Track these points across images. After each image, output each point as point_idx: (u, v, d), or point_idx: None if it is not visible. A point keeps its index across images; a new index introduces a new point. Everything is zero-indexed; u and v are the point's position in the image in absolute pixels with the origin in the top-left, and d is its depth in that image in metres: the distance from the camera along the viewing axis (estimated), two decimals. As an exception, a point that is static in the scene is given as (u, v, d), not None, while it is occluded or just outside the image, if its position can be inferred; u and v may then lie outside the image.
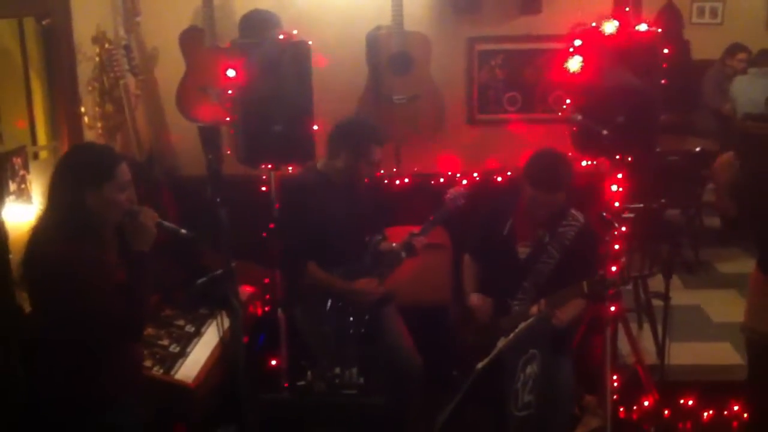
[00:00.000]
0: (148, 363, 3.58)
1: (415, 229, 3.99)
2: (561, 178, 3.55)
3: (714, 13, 8.43)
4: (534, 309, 3.43)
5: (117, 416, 2.85)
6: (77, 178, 2.77)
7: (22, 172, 3.65)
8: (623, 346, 4.57)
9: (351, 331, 3.84)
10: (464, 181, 4.22)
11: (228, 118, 4.40)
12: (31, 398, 2.86)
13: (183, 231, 2.96)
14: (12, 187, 3.53)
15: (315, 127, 4.28)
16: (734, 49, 7.24)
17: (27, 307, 2.96)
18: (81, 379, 2.79)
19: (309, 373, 3.46)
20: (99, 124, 4.52)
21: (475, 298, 3.73)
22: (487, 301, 3.69)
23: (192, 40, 4.91)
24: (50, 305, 2.76)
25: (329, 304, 3.83)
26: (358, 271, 3.87)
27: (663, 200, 4.46)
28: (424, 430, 3.73)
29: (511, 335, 3.18)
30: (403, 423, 3.94)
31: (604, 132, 3.98)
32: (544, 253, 3.61)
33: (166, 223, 2.93)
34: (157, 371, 3.60)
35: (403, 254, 3.92)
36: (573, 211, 3.67)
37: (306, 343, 4.00)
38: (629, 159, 4.24)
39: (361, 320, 3.85)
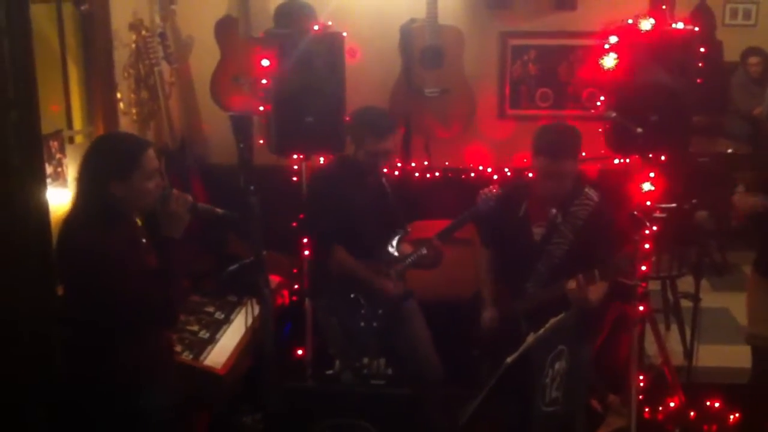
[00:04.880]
0: (177, 348, 3.61)
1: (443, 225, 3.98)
2: (568, 144, 3.52)
3: (747, 14, 8.35)
4: (572, 284, 3.39)
5: (148, 400, 2.87)
6: (104, 170, 2.78)
7: (58, 156, 3.69)
8: (650, 346, 4.55)
9: (374, 324, 3.85)
10: (495, 176, 4.19)
11: (261, 108, 4.43)
12: (65, 381, 2.88)
13: (219, 210, 2.96)
14: (49, 170, 3.56)
15: (347, 119, 4.31)
16: (747, 53, 7.27)
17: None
18: (113, 363, 2.81)
19: (337, 362, 3.48)
20: (134, 111, 4.56)
21: (487, 318, 3.75)
22: (496, 321, 3.72)
23: (227, 30, 4.94)
24: (82, 292, 2.78)
25: (352, 296, 3.84)
26: (380, 266, 3.87)
27: (694, 201, 4.42)
28: (450, 423, 3.73)
29: (541, 330, 3.17)
30: (426, 417, 3.94)
31: (639, 130, 3.96)
32: (556, 234, 3.56)
33: (201, 205, 2.93)
34: (187, 356, 3.63)
35: (424, 251, 3.92)
36: (587, 191, 3.60)
37: (325, 332, 4.02)
38: (662, 158, 4.23)
39: (381, 314, 3.85)
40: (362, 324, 3.85)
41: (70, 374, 2.84)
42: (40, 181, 2.73)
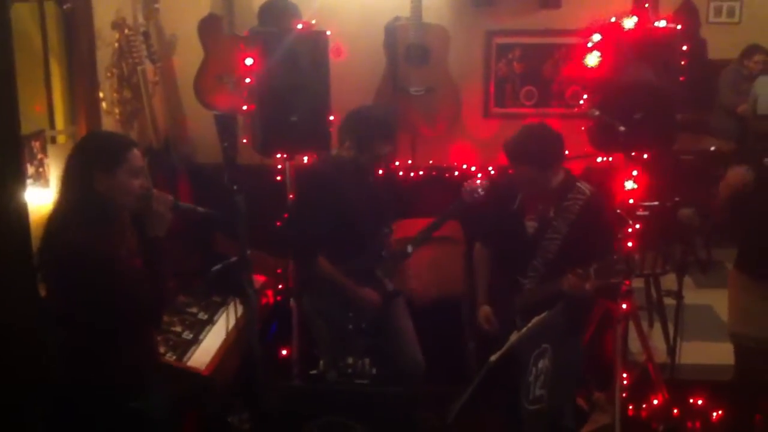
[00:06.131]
0: (161, 349, 3.60)
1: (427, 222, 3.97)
2: (525, 150, 3.44)
3: (731, 12, 8.36)
4: (566, 283, 3.37)
5: (142, 402, 2.87)
6: (88, 165, 2.77)
7: (40, 156, 3.66)
8: (634, 344, 4.57)
9: (358, 325, 3.84)
10: (479, 175, 4.19)
11: (245, 107, 4.42)
12: (58, 385, 2.88)
13: (200, 209, 2.95)
14: (30, 170, 3.54)
15: (331, 118, 4.30)
16: (751, 50, 7.22)
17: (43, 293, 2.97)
18: (102, 362, 2.81)
19: (321, 362, 3.48)
20: (117, 110, 4.54)
21: (483, 316, 3.74)
22: (494, 321, 3.69)
23: (210, 28, 4.92)
24: (67, 291, 2.77)
25: (339, 297, 3.83)
26: (367, 265, 3.86)
27: (677, 198, 4.44)
28: (436, 421, 3.75)
29: (524, 329, 3.18)
30: (411, 414, 3.94)
31: (622, 128, 3.97)
32: (549, 229, 3.52)
33: (183, 204, 2.92)
34: (170, 357, 3.61)
35: (410, 248, 3.91)
36: (579, 185, 3.54)
37: (312, 332, 4.01)
38: (645, 156, 4.24)
39: (368, 314, 3.85)
40: (350, 326, 3.83)
41: (64, 375, 2.84)
42: (19, 181, 2.71)
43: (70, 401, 2.84)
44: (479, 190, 3.82)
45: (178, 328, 3.83)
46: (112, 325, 2.78)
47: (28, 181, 3.46)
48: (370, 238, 3.90)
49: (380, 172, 4.03)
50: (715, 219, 4.21)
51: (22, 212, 2.68)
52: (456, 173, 4.99)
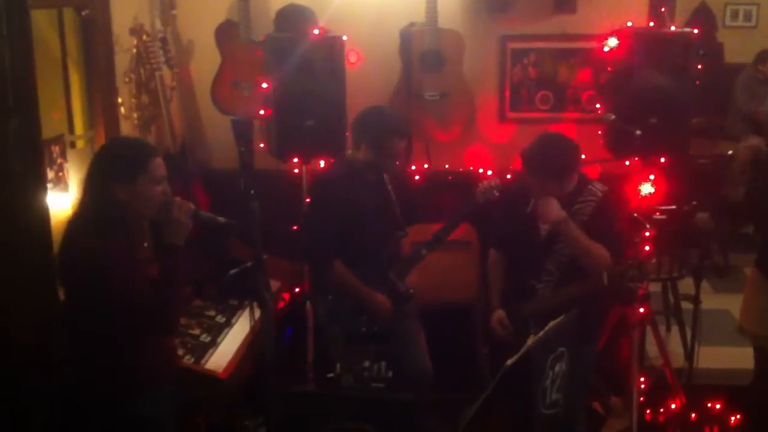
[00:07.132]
0: (179, 352, 3.62)
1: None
2: (543, 162, 3.42)
3: (748, 16, 8.35)
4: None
5: (148, 406, 2.88)
6: (110, 172, 2.79)
7: (59, 161, 3.70)
8: (651, 348, 4.55)
9: (371, 329, 3.84)
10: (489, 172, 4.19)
11: (261, 112, 4.45)
12: (65, 386, 2.90)
13: (221, 219, 2.95)
14: (50, 175, 3.57)
15: (356, 121, 4.31)
16: (765, 55, 7.20)
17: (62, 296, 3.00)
18: (113, 368, 2.82)
19: (338, 366, 3.49)
20: (135, 115, 4.57)
21: (496, 319, 3.73)
22: (508, 325, 3.68)
23: (227, 34, 4.96)
24: (82, 297, 2.79)
25: (349, 300, 3.84)
26: (381, 267, 3.87)
27: (694, 203, 4.43)
28: (447, 428, 3.74)
29: (541, 333, 3.17)
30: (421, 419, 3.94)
31: (638, 132, 3.97)
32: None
33: (203, 213, 2.93)
34: (188, 360, 3.63)
35: (424, 251, 3.91)
36: (590, 186, 3.52)
37: (326, 336, 4.02)
38: (662, 160, 4.24)
39: (378, 320, 3.85)
40: (365, 329, 3.84)
41: (71, 378, 2.86)
42: (40, 187, 2.75)
43: (77, 404, 2.86)
44: (493, 190, 3.84)
45: (196, 331, 3.85)
46: (124, 330, 2.79)
47: (48, 186, 3.49)
48: (384, 241, 3.91)
49: (399, 177, 4.03)
50: (729, 199, 4.18)
51: (43, 216, 2.72)
52: (472, 178, 4.99)
